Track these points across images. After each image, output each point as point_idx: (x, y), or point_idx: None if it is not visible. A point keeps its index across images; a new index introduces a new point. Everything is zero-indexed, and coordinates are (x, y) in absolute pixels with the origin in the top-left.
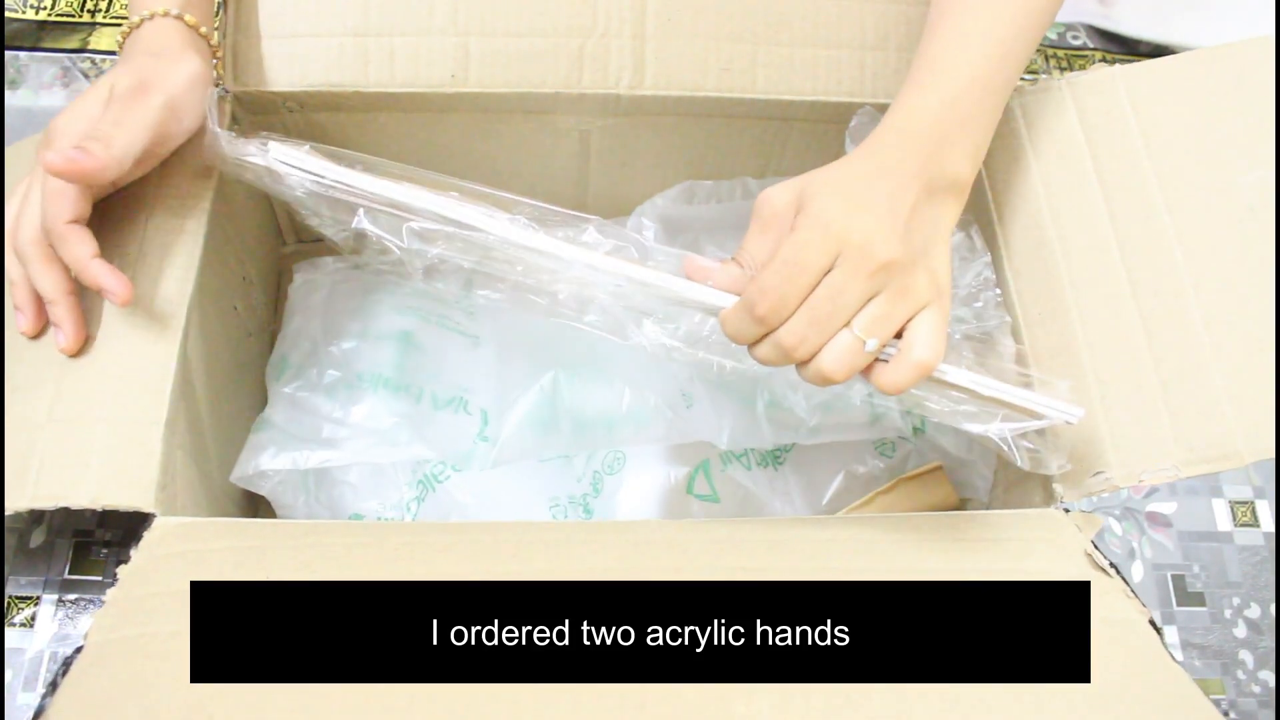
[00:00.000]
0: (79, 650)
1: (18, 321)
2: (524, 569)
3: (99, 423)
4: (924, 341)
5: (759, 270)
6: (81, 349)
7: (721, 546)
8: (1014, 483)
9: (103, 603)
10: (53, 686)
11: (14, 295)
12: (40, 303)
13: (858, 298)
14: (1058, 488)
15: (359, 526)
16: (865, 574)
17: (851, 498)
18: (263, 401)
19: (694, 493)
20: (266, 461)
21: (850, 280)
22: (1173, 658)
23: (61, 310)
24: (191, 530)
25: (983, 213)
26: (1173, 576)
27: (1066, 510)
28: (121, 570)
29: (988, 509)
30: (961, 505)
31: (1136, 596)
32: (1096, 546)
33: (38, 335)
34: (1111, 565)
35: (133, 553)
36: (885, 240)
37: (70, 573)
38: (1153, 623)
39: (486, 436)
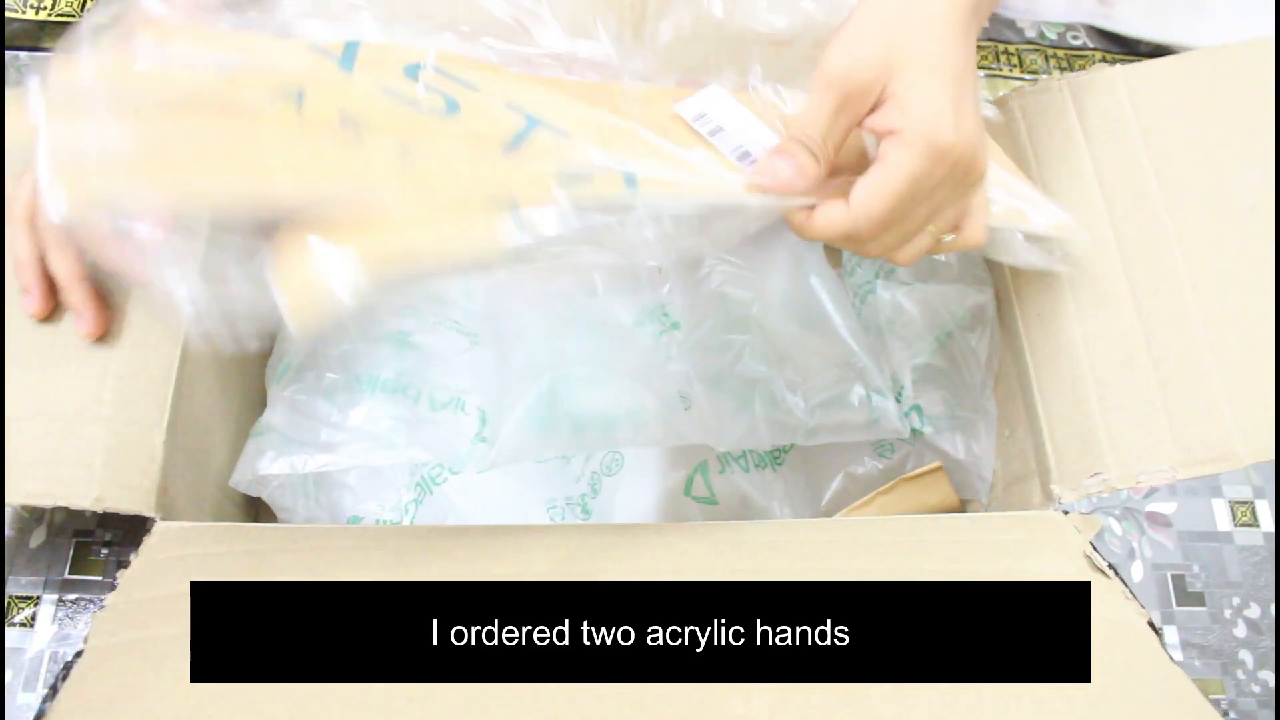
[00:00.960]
0: (79, 655)
1: (24, 303)
2: (523, 570)
3: (100, 423)
4: (978, 224)
5: (866, 197)
6: (106, 332)
7: (721, 548)
8: (1012, 483)
9: (103, 604)
10: (52, 691)
11: (22, 275)
12: (51, 285)
13: (950, 208)
14: (1056, 489)
15: (358, 530)
16: (865, 575)
17: (850, 499)
18: (265, 403)
19: (692, 495)
20: (265, 466)
21: (950, 196)
22: (1171, 658)
23: (79, 296)
24: (191, 535)
25: None
26: (1173, 576)
27: (1065, 512)
28: (121, 575)
29: (987, 510)
30: (961, 506)
31: (1135, 598)
32: (1095, 548)
33: (47, 318)
34: (1110, 566)
35: (132, 557)
36: (981, 148)
37: (70, 573)
38: (1151, 624)
39: (484, 437)
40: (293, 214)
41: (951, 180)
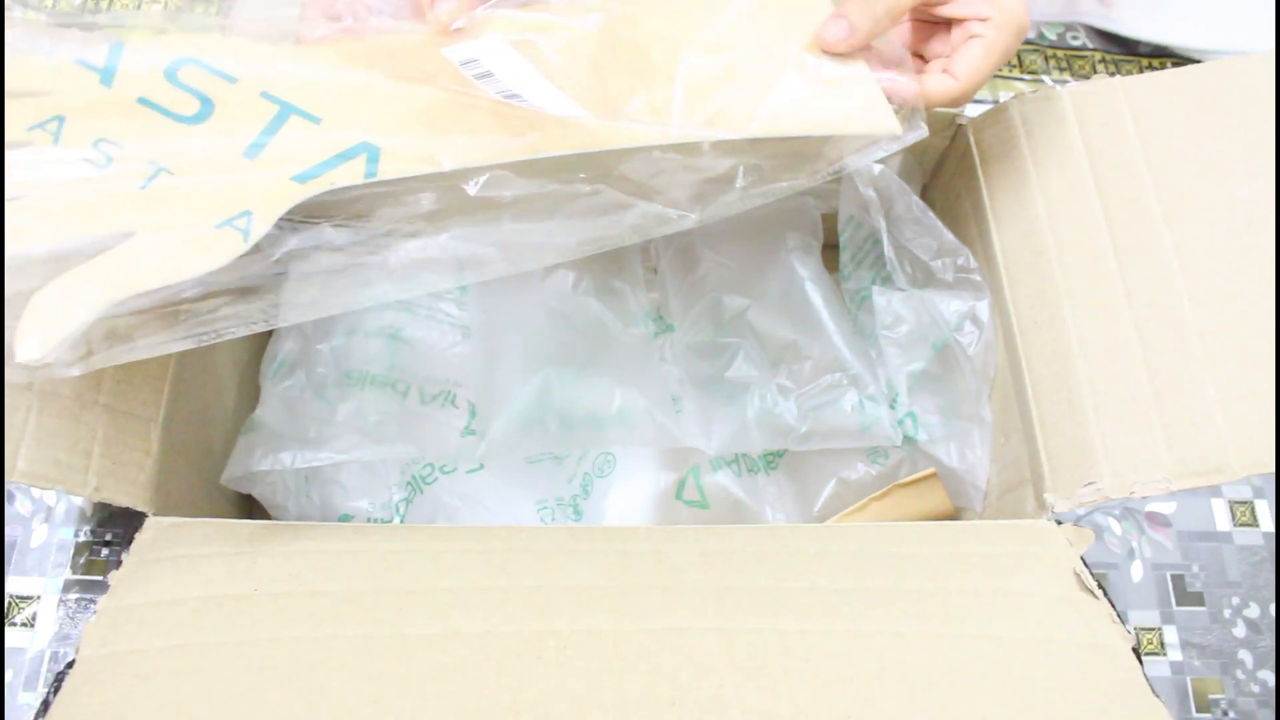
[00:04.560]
0: (70, 665)
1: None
2: (513, 583)
3: (99, 409)
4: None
5: (973, 70)
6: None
7: (710, 560)
8: (1006, 491)
9: (94, 610)
10: (45, 707)
11: None
12: None
13: None
14: (1049, 498)
15: (350, 530)
16: (854, 592)
17: (843, 505)
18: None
19: (683, 498)
20: (255, 463)
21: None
22: (1153, 689)
23: None
24: (183, 532)
25: (980, 220)
26: (1172, 576)
27: (1059, 522)
28: (113, 576)
29: (981, 518)
30: (955, 512)
31: (1121, 622)
32: (1085, 564)
33: None
34: (1100, 587)
35: (123, 557)
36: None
37: (71, 573)
38: (1136, 650)
39: (473, 430)
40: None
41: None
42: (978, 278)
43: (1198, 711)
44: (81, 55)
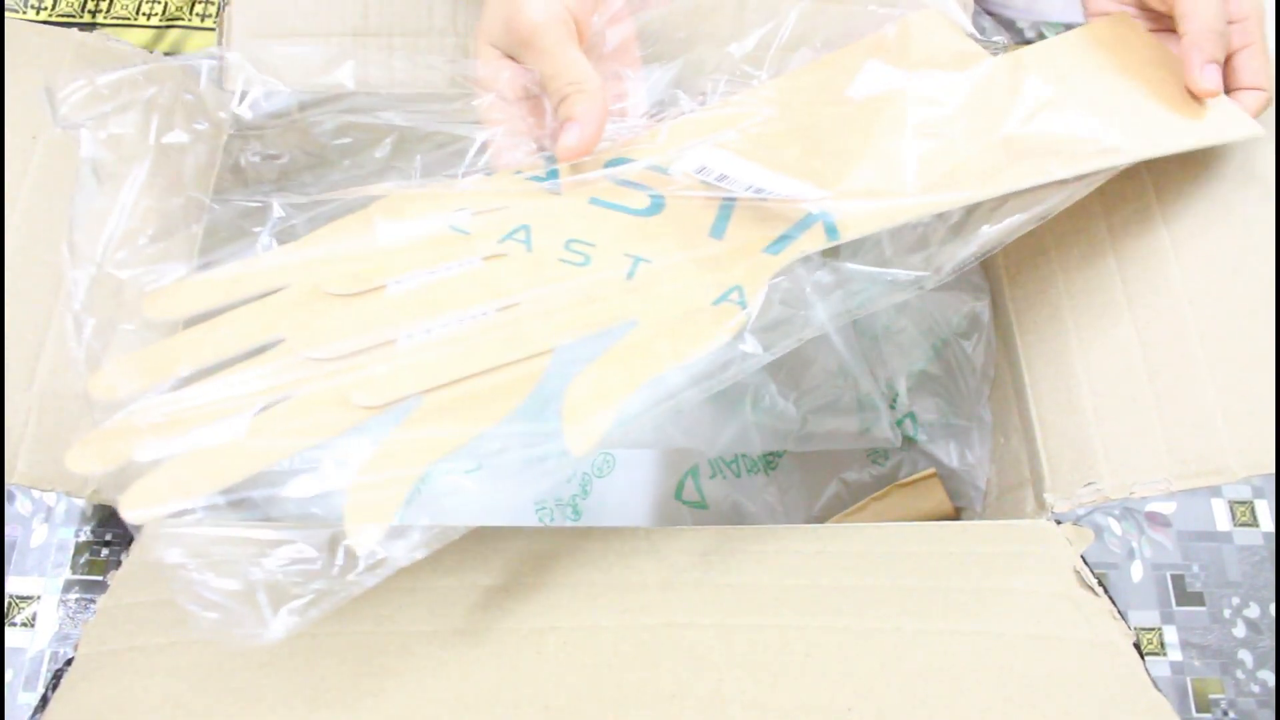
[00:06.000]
0: (69, 662)
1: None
2: (512, 581)
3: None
4: None
5: (1268, 77)
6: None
7: (710, 559)
8: (1006, 491)
9: (94, 609)
10: (43, 702)
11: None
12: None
13: None
14: (1049, 498)
15: None
16: (853, 590)
17: (843, 505)
18: None
19: (683, 499)
20: None
21: None
22: (1155, 685)
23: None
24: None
25: None
26: (1172, 576)
27: (1058, 522)
28: (113, 576)
29: (980, 518)
30: (955, 513)
31: (1122, 618)
32: (1086, 561)
33: None
34: (1100, 585)
35: (123, 558)
36: None
37: (71, 573)
38: (1137, 646)
39: None
40: None
41: None
42: (978, 278)
43: (1198, 711)
44: (520, 170)
